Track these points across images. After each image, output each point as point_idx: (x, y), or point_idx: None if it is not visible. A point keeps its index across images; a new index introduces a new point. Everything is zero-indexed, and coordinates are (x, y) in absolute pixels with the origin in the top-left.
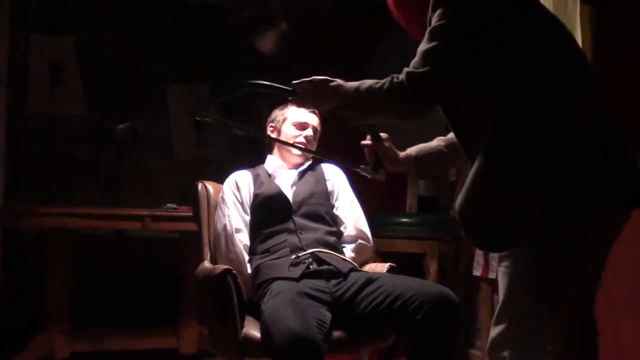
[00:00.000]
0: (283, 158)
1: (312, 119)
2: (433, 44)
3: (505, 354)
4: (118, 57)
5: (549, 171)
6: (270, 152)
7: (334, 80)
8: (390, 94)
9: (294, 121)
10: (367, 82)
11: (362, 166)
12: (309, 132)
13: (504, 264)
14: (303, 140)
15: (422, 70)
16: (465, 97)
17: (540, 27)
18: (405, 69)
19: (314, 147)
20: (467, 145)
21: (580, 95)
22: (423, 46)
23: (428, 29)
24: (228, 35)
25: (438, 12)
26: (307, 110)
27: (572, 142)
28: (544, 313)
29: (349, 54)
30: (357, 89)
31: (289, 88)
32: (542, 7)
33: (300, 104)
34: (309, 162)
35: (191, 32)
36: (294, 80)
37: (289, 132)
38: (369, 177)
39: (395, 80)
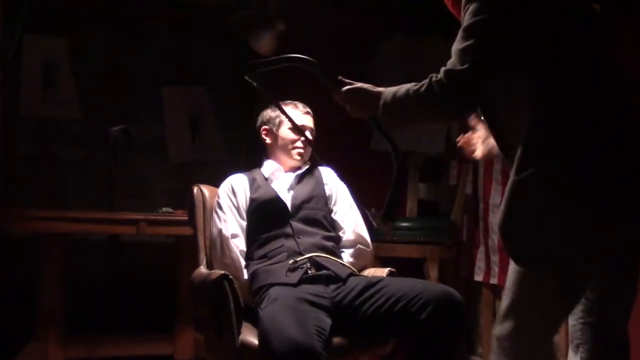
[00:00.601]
0: (280, 162)
1: (309, 121)
2: (470, 41)
3: (513, 344)
4: (112, 58)
5: (583, 178)
6: (267, 156)
7: (375, 88)
8: (429, 94)
9: (291, 124)
10: (405, 86)
11: (372, 210)
12: (310, 135)
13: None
14: (301, 145)
15: (460, 67)
16: (503, 98)
17: (578, 32)
18: (443, 68)
19: (310, 150)
20: (504, 148)
21: (616, 104)
22: (459, 44)
23: (462, 26)
24: (225, 36)
25: (472, 7)
26: (302, 112)
27: (606, 152)
28: (558, 318)
29: (348, 55)
30: (395, 94)
31: (335, 80)
32: (581, 11)
33: (341, 101)
34: (307, 167)
35: (187, 32)
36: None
37: (287, 136)
38: (374, 225)
39: (434, 79)
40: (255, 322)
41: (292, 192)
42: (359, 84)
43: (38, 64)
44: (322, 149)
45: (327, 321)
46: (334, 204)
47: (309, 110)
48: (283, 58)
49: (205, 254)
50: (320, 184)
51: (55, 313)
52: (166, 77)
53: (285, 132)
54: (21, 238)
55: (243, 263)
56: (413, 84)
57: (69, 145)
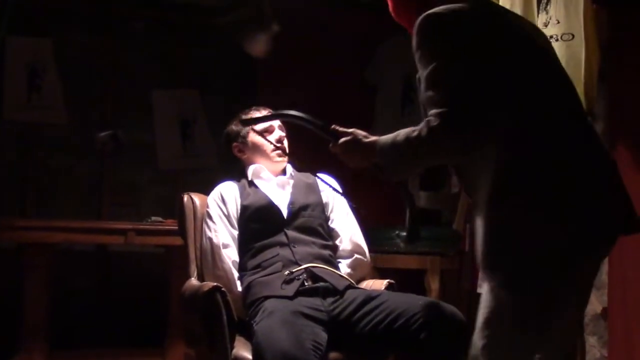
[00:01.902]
0: (265, 166)
1: (275, 121)
2: (441, 83)
3: None
4: (100, 60)
5: (563, 204)
6: (248, 163)
7: (369, 137)
8: (433, 139)
9: (261, 128)
10: (402, 133)
11: (397, 231)
12: (281, 132)
13: (491, 283)
14: (281, 145)
15: (447, 108)
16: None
17: (533, 60)
18: (435, 110)
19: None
20: (467, 186)
21: (578, 127)
22: (428, 87)
23: (426, 76)
24: (217, 38)
25: (427, 57)
26: (265, 111)
27: (579, 178)
28: (529, 345)
29: (346, 57)
30: (393, 142)
31: (330, 131)
32: (531, 38)
33: (338, 154)
34: (290, 171)
35: (178, 34)
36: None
37: (259, 141)
38: (401, 245)
39: (433, 124)
40: (248, 336)
41: (286, 198)
42: (352, 136)
43: (22, 67)
44: (314, 155)
45: (323, 336)
46: (331, 212)
47: (270, 110)
48: (275, 115)
49: (197, 265)
50: (316, 190)
51: (40, 326)
52: (156, 80)
53: (256, 138)
54: (4, 248)
55: (236, 274)
56: (409, 129)
57: (55, 151)
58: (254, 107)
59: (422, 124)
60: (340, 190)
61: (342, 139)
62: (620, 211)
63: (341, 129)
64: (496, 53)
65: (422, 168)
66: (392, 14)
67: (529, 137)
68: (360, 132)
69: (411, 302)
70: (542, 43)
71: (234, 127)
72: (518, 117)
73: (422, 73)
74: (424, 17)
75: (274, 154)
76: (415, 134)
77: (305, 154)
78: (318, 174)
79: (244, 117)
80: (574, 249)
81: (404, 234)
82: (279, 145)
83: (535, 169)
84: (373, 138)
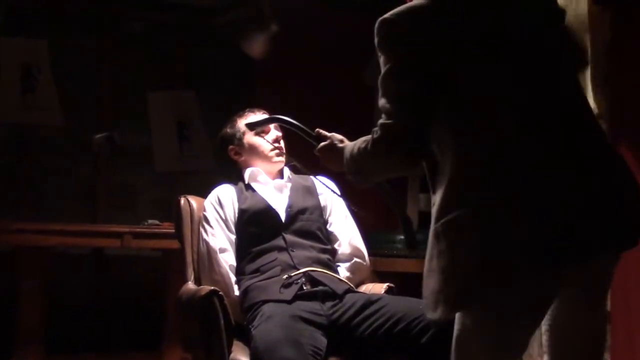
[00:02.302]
0: (262, 168)
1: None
2: (388, 92)
3: None
4: (95, 61)
5: (534, 212)
6: (245, 166)
7: (344, 142)
8: (375, 151)
9: (256, 129)
10: (359, 142)
11: (398, 238)
12: (277, 132)
13: None
14: (278, 145)
15: (390, 119)
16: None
17: (508, 47)
18: (380, 120)
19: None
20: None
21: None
22: (380, 95)
23: (379, 82)
24: (214, 38)
25: (382, 63)
26: (259, 114)
27: (554, 184)
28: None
29: (346, 57)
30: (351, 152)
31: (313, 133)
32: (506, 31)
33: (320, 159)
34: (288, 174)
35: (175, 34)
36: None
37: (257, 142)
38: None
39: (375, 135)
40: (246, 340)
41: (284, 202)
42: (329, 141)
43: (17, 68)
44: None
45: (322, 340)
46: (329, 215)
47: (264, 112)
48: (270, 119)
49: (194, 268)
50: (314, 193)
51: (35, 331)
52: (152, 81)
53: (253, 139)
54: None
55: (233, 279)
56: (364, 138)
57: (50, 153)
58: (248, 109)
59: (370, 136)
60: (339, 193)
61: (321, 144)
62: (602, 226)
63: (323, 132)
64: (452, 57)
65: (383, 177)
66: None
67: (482, 145)
68: (337, 137)
69: (412, 306)
70: (525, 35)
71: (228, 129)
72: (470, 124)
73: None
74: (379, 21)
75: (272, 153)
76: (364, 145)
77: (304, 155)
78: (317, 176)
79: (244, 120)
80: (521, 260)
81: (402, 237)
82: (276, 145)
83: (486, 177)
84: (345, 144)
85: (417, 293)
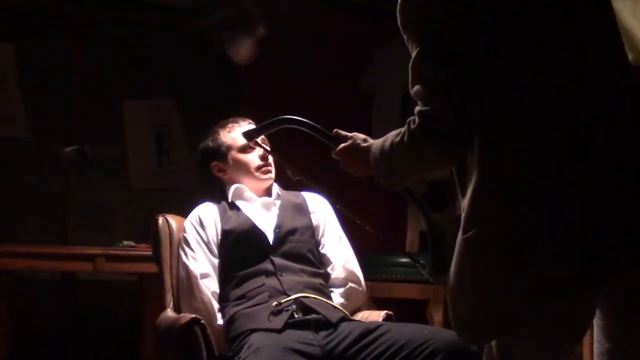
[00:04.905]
0: (248, 186)
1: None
2: (422, 75)
3: None
4: (65, 67)
5: (566, 226)
6: (230, 183)
7: (368, 140)
8: (413, 142)
9: (241, 144)
10: (390, 137)
11: (421, 261)
12: (265, 147)
13: None
14: (266, 162)
15: (428, 105)
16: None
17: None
18: (417, 108)
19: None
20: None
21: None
22: (412, 81)
23: (410, 66)
24: (196, 41)
25: (410, 40)
26: (245, 124)
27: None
28: None
29: (340, 63)
30: (381, 149)
31: (331, 137)
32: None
33: (340, 163)
34: (277, 190)
35: (152, 37)
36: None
37: (243, 159)
38: (430, 279)
39: (411, 125)
40: None
41: (272, 222)
42: (350, 141)
43: None
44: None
45: None
46: (322, 236)
47: (250, 121)
48: (277, 120)
49: (173, 295)
50: (305, 212)
51: None
52: (128, 89)
53: (238, 156)
54: None
55: (216, 306)
56: (397, 131)
57: (16, 168)
58: (232, 119)
59: (405, 127)
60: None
61: (341, 145)
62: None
63: (343, 132)
64: (489, 33)
65: (414, 177)
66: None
67: (514, 146)
68: (360, 136)
69: (415, 331)
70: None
71: (210, 143)
72: (501, 119)
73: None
74: None
75: (258, 172)
76: (398, 138)
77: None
78: (304, 192)
79: (227, 133)
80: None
81: (420, 260)
82: (263, 162)
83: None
84: (370, 142)
85: (419, 321)
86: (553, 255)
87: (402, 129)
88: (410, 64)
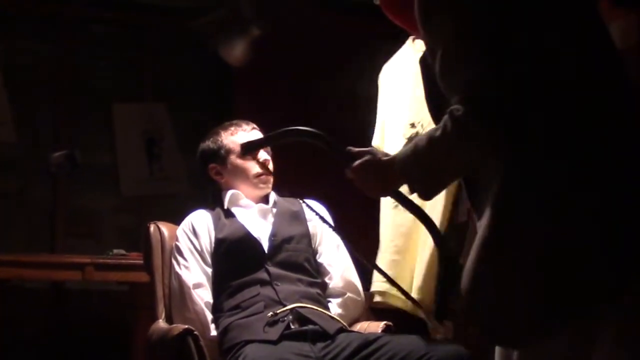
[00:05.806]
0: (245, 193)
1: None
2: (462, 58)
3: None
4: (53, 69)
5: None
6: (226, 188)
7: (387, 155)
8: (461, 131)
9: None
10: (423, 137)
11: (424, 312)
12: (266, 155)
13: None
14: (266, 170)
15: (475, 89)
16: None
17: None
18: (459, 96)
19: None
20: (474, 202)
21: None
22: (448, 71)
23: (440, 56)
24: (188, 43)
25: (438, 29)
26: (247, 131)
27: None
28: None
29: (337, 65)
30: (413, 151)
31: (345, 152)
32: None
33: (356, 182)
34: (274, 198)
35: (143, 39)
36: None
37: (242, 165)
38: (429, 325)
39: (457, 113)
40: None
41: (267, 230)
42: (368, 156)
43: None
44: (301, 180)
45: None
46: (319, 244)
47: (254, 126)
48: (284, 132)
49: (165, 305)
50: (302, 220)
51: None
52: (118, 91)
53: (238, 161)
54: None
55: (209, 317)
56: (432, 129)
57: (2, 174)
58: (235, 122)
59: (444, 119)
60: (332, 224)
61: (357, 162)
62: None
63: (356, 149)
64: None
65: (456, 176)
66: (387, 12)
67: (539, 147)
68: (379, 151)
69: (415, 343)
70: None
71: (210, 144)
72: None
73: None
74: None
75: (256, 180)
76: (438, 132)
77: (291, 174)
78: (304, 200)
79: (230, 136)
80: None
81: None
82: (263, 170)
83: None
84: (392, 155)
85: (418, 333)
86: (597, 262)
87: (441, 124)
88: (440, 55)
